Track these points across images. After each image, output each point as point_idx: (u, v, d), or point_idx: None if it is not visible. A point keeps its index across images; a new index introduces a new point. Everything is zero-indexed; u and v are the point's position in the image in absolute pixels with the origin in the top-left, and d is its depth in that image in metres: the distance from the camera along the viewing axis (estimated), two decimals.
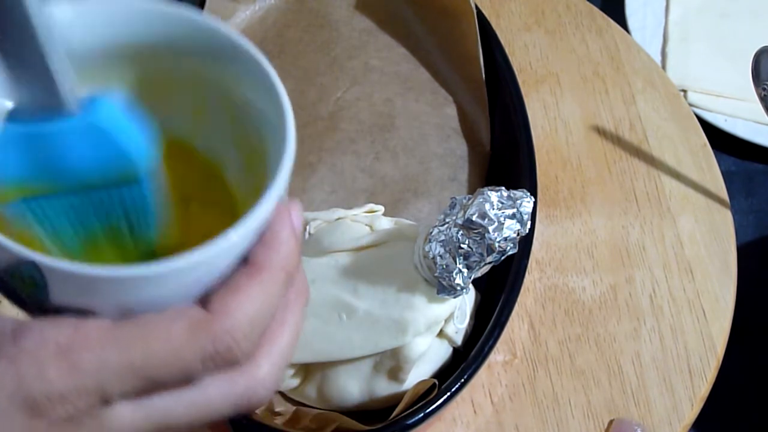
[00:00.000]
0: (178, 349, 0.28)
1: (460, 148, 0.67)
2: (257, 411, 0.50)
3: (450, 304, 0.51)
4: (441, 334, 0.53)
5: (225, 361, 0.28)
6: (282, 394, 0.54)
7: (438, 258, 0.48)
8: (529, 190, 0.48)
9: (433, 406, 0.51)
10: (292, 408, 0.51)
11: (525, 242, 0.57)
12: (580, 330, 0.62)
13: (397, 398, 0.52)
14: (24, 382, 0.27)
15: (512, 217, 0.47)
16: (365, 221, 0.55)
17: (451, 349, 0.55)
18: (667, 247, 0.66)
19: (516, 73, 0.66)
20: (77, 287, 0.27)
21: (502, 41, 0.67)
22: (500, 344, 0.56)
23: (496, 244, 0.47)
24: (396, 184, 0.65)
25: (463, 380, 0.52)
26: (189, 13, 0.31)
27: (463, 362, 0.53)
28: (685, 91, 0.79)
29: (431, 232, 0.49)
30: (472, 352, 0.53)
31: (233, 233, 0.27)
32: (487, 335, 0.54)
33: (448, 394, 0.51)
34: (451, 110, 0.69)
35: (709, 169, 0.70)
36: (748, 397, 0.68)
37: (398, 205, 0.63)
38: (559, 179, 0.68)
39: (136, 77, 0.32)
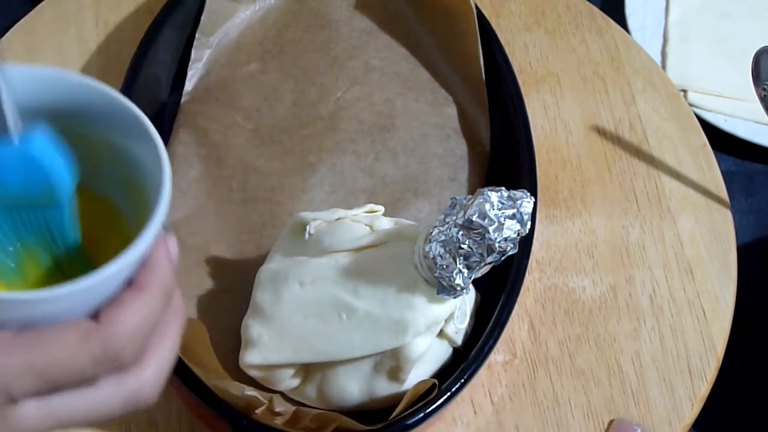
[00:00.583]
0: (72, 353, 0.33)
1: (460, 148, 0.67)
2: (257, 411, 0.50)
3: (450, 305, 0.51)
4: (441, 334, 0.53)
5: (113, 363, 0.34)
6: (282, 394, 0.54)
7: (438, 258, 0.48)
8: (529, 190, 0.48)
9: (433, 406, 0.51)
10: (292, 408, 0.51)
11: (525, 242, 0.57)
12: (580, 330, 0.62)
13: (397, 398, 0.52)
14: None
15: (512, 217, 0.47)
16: (365, 221, 0.55)
17: (451, 349, 0.55)
18: (667, 247, 0.66)
19: (516, 73, 0.66)
20: None
21: (502, 41, 0.68)
22: (500, 344, 0.56)
23: (497, 245, 0.47)
24: (396, 184, 0.65)
25: (463, 380, 0.52)
26: (90, 82, 0.37)
27: (463, 362, 0.53)
28: (685, 91, 0.79)
29: (431, 233, 0.49)
30: (472, 352, 0.53)
31: (113, 265, 0.33)
32: (487, 335, 0.54)
33: (448, 394, 0.51)
34: (451, 110, 0.69)
35: (709, 169, 0.70)
36: (748, 397, 0.68)
37: (398, 205, 0.63)
38: (559, 179, 0.68)
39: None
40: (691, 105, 0.77)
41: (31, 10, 0.74)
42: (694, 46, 0.82)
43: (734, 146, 0.77)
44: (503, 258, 0.48)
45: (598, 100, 0.73)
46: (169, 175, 0.36)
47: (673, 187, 0.69)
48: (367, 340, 0.51)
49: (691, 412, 0.60)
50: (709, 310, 0.63)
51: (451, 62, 0.69)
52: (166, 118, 0.67)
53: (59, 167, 0.36)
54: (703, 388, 0.60)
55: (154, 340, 0.36)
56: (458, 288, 0.49)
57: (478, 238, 0.47)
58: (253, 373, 0.53)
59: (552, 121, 0.71)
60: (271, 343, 0.51)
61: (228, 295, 0.59)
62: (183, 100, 0.68)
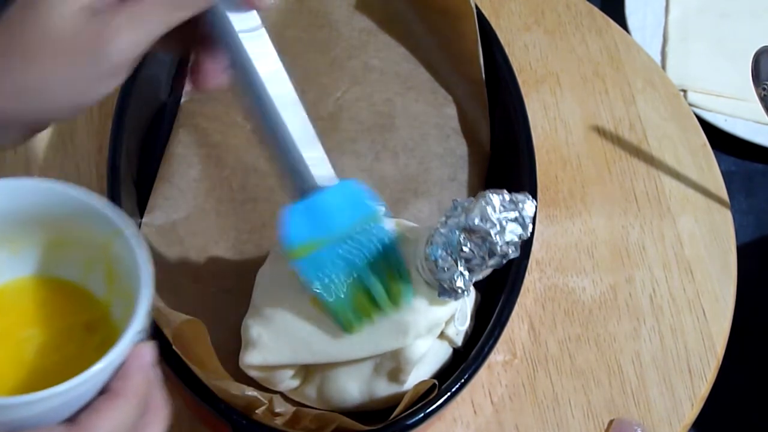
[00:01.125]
0: None
1: (460, 148, 0.67)
2: (257, 411, 0.50)
3: (451, 306, 0.51)
4: (442, 335, 0.53)
5: None
6: (282, 394, 0.54)
7: (439, 261, 0.48)
8: (529, 190, 0.48)
9: (433, 407, 0.51)
10: (292, 408, 0.51)
11: (525, 243, 0.57)
12: (580, 330, 0.62)
13: (397, 399, 0.52)
14: None
15: (514, 220, 0.47)
16: None
17: (451, 350, 0.55)
18: (667, 247, 0.66)
19: (516, 73, 0.66)
20: None
21: (502, 41, 0.67)
22: (500, 344, 0.56)
23: (498, 248, 0.47)
24: (396, 184, 0.65)
25: (463, 380, 0.52)
26: (71, 190, 0.40)
27: (463, 362, 0.53)
28: (685, 91, 0.79)
29: (433, 235, 0.49)
30: (472, 353, 0.53)
31: (84, 374, 0.35)
32: (487, 335, 0.54)
33: (448, 394, 0.51)
34: (451, 110, 0.69)
35: (709, 169, 0.70)
36: (748, 397, 0.68)
37: (398, 205, 0.63)
38: (559, 179, 0.68)
39: (40, 239, 0.42)
40: (691, 105, 0.77)
41: None
42: (694, 46, 0.82)
43: (734, 146, 0.77)
44: (505, 261, 0.48)
45: (598, 100, 0.73)
46: (149, 279, 0.38)
47: (673, 187, 0.69)
48: (367, 341, 0.51)
49: (691, 412, 0.60)
50: (709, 310, 0.63)
51: (451, 62, 0.69)
52: (166, 118, 0.67)
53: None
54: (703, 388, 0.60)
55: None
56: (459, 290, 0.49)
57: (479, 242, 0.47)
58: (253, 373, 0.53)
59: (552, 121, 0.71)
60: (271, 343, 0.51)
61: (228, 295, 0.59)
62: (183, 100, 0.68)
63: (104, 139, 0.62)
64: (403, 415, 0.50)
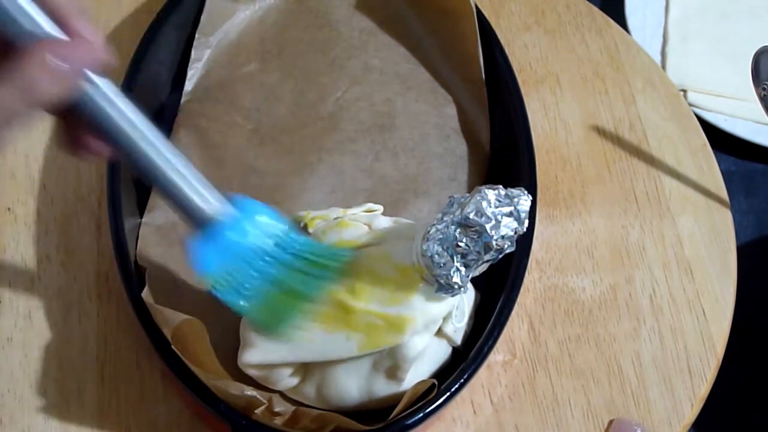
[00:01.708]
0: None
1: (459, 147, 0.67)
2: (257, 411, 0.50)
3: (448, 303, 0.51)
4: (440, 333, 0.53)
5: None
6: (281, 393, 0.54)
7: (436, 256, 0.48)
8: (528, 190, 0.48)
9: (433, 406, 0.51)
10: (291, 408, 0.51)
11: (524, 242, 0.57)
12: (580, 330, 0.62)
13: (396, 398, 0.52)
14: None
15: (510, 215, 0.47)
16: (364, 220, 0.55)
17: (450, 349, 0.55)
18: (667, 247, 0.66)
19: (516, 73, 0.66)
20: None
21: (502, 41, 0.67)
22: (500, 344, 0.56)
23: (494, 242, 0.47)
24: (396, 184, 0.65)
25: (462, 380, 0.52)
26: None
27: (463, 362, 0.53)
28: (685, 91, 0.79)
29: (429, 231, 0.49)
30: (472, 352, 0.53)
31: None
32: (487, 335, 0.54)
33: (448, 394, 0.51)
34: (451, 110, 0.69)
35: (709, 169, 0.70)
36: (748, 397, 0.68)
37: (398, 205, 0.63)
38: (559, 179, 0.68)
39: None
40: (691, 105, 0.77)
41: None
42: (693, 46, 0.82)
43: (734, 146, 0.77)
44: (501, 256, 0.48)
45: (598, 100, 0.73)
46: None
47: (673, 187, 0.69)
48: (364, 338, 0.51)
49: (690, 412, 0.60)
50: (709, 310, 0.63)
51: (451, 62, 0.69)
52: (166, 118, 0.67)
53: None
54: (703, 388, 0.60)
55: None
56: (456, 286, 0.49)
57: (475, 236, 0.47)
58: (252, 372, 0.53)
59: (552, 120, 0.71)
60: (270, 342, 0.51)
61: None
62: (183, 100, 0.68)
63: None
64: (402, 414, 0.50)
